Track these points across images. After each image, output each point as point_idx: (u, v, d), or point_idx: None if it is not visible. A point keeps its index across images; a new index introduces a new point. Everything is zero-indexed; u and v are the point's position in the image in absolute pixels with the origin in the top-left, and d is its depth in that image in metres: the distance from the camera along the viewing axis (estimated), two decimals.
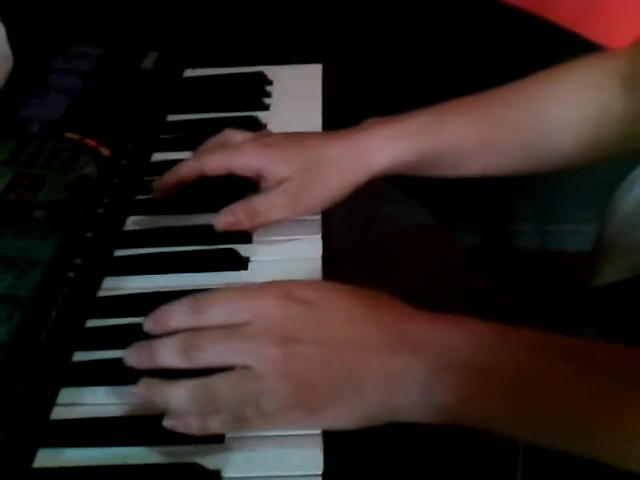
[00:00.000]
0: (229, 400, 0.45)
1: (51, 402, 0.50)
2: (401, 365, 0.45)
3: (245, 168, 0.63)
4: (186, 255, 0.61)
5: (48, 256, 0.57)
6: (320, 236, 0.62)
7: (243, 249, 0.61)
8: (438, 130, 0.64)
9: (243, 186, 0.64)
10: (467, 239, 1.40)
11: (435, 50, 1.22)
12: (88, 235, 0.60)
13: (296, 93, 0.81)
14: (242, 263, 0.60)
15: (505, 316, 0.49)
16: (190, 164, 0.64)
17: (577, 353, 0.46)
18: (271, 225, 0.62)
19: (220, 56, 0.89)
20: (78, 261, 0.58)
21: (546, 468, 0.54)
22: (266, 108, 0.79)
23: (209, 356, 0.46)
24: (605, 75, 0.64)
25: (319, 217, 0.64)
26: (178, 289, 0.55)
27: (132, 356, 0.48)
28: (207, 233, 0.61)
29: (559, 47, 1.17)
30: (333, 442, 0.47)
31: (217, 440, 0.47)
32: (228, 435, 0.47)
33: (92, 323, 0.55)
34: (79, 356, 0.53)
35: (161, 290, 0.57)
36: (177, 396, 0.46)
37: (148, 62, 0.82)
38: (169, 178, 0.64)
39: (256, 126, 0.75)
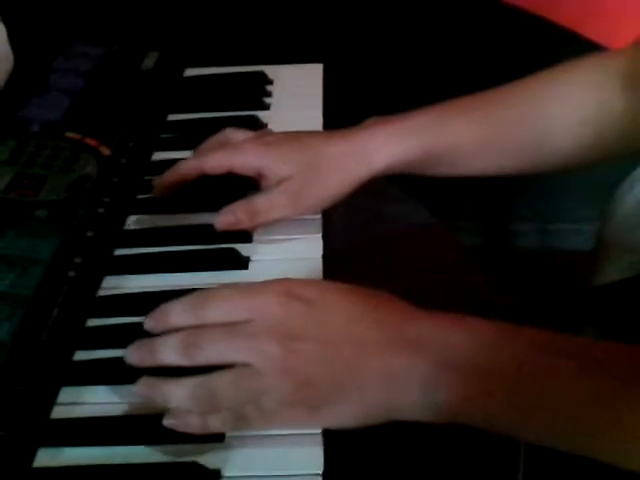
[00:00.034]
0: (229, 398, 0.45)
1: (52, 401, 0.50)
2: (402, 364, 0.45)
3: (245, 167, 0.63)
4: (186, 254, 0.61)
5: (49, 255, 0.57)
6: (320, 235, 0.62)
7: (243, 248, 0.61)
8: (439, 129, 0.64)
9: (243, 185, 0.64)
10: (468, 238, 1.39)
11: (435, 50, 1.22)
12: (89, 234, 0.60)
13: (297, 92, 0.81)
14: (242, 262, 0.60)
15: (506, 315, 0.49)
16: (190, 163, 0.64)
17: (578, 352, 0.46)
18: (271, 224, 0.62)
19: (221, 55, 0.89)
20: (79, 260, 0.58)
21: (547, 467, 0.54)
22: (267, 107, 0.79)
23: (209, 354, 0.46)
24: (606, 75, 0.64)
25: (319, 216, 0.64)
26: (178, 288, 0.55)
27: (133, 354, 0.48)
28: (207, 232, 0.61)
29: (560, 47, 1.17)
30: (333, 441, 0.47)
31: (217, 439, 0.47)
32: (228, 434, 0.47)
33: (93, 322, 0.55)
34: (80, 355, 0.53)
35: (161, 289, 0.57)
36: (177, 395, 0.46)
37: (149, 62, 0.82)
38: (169, 176, 0.64)
39: (257, 125, 0.75)
